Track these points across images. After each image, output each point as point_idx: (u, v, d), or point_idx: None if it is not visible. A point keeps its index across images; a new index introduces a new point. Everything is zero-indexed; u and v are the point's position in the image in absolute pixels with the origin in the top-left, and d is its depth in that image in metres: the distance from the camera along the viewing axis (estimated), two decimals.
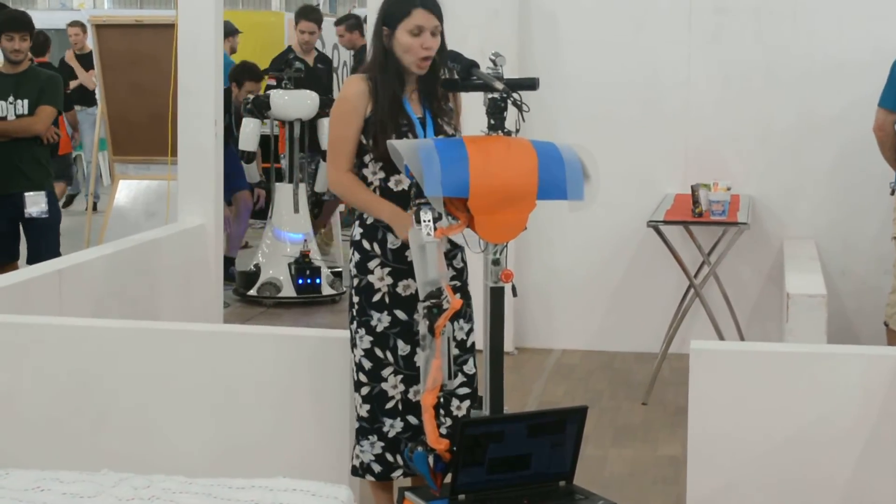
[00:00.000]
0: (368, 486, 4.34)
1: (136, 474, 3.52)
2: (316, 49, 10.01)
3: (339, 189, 4.18)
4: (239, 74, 9.32)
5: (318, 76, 9.59)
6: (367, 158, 4.12)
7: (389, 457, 4.17)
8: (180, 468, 3.78)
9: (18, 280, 5.22)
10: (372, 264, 4.16)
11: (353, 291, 4.22)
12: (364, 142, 4.11)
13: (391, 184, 4.12)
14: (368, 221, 4.16)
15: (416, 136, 4.06)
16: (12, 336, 4.59)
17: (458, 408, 4.14)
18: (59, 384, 4.52)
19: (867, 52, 6.97)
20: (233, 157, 8.56)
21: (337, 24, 11.41)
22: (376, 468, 4.18)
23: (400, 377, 4.16)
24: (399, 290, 4.15)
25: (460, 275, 4.23)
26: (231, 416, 4.45)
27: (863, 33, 7.07)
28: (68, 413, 4.51)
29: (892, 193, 6.25)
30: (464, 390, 4.16)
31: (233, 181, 8.67)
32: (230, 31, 11.58)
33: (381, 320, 4.16)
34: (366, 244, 4.17)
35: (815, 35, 7.13)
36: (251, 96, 8.72)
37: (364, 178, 4.16)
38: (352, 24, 10.99)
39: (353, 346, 4.21)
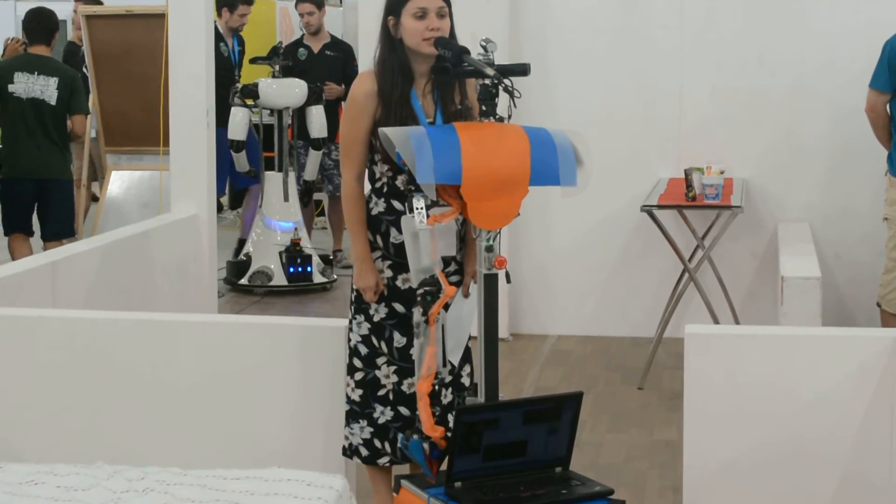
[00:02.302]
0: (365, 472, 4.35)
1: (131, 466, 3.52)
2: (331, 35, 9.70)
3: (343, 197, 4.20)
4: None
5: (321, 64, 9.40)
6: (376, 157, 4.12)
7: (377, 443, 4.18)
8: (175, 459, 3.78)
9: (11, 273, 5.20)
10: (373, 255, 4.16)
11: (353, 279, 4.23)
12: (373, 142, 4.10)
13: (398, 182, 4.11)
14: (373, 213, 4.15)
15: None
16: (6, 329, 4.57)
17: (445, 396, 4.14)
18: (52, 377, 4.51)
19: (860, 31, 6.97)
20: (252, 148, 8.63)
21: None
22: (364, 452, 4.19)
23: (393, 368, 4.16)
24: (398, 283, 4.15)
25: (462, 269, 4.22)
26: (226, 406, 4.44)
27: (855, 14, 7.07)
28: (62, 406, 4.50)
29: (886, 174, 6.25)
30: (447, 378, 4.16)
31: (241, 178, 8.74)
32: None
33: (378, 311, 4.16)
34: (368, 234, 4.16)
35: (808, 16, 7.13)
36: (240, 86, 8.68)
37: (373, 175, 4.16)
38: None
39: (351, 330, 4.22)
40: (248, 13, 9.26)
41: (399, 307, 4.15)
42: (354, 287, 4.21)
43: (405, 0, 4.03)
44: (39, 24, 7.86)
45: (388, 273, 4.15)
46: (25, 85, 7.64)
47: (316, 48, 9.45)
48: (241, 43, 9.39)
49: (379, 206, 4.14)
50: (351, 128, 4.13)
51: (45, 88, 7.65)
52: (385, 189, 4.13)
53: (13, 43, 8.67)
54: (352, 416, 4.21)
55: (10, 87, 7.63)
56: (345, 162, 4.17)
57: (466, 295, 4.09)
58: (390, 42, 4.10)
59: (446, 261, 4.05)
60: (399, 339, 4.15)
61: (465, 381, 4.22)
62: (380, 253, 4.15)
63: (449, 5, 4.08)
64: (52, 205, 7.74)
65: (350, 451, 4.23)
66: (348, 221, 4.19)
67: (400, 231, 4.05)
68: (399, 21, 4.06)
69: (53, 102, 7.65)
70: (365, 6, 6.97)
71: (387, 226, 4.13)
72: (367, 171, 4.17)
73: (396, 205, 4.11)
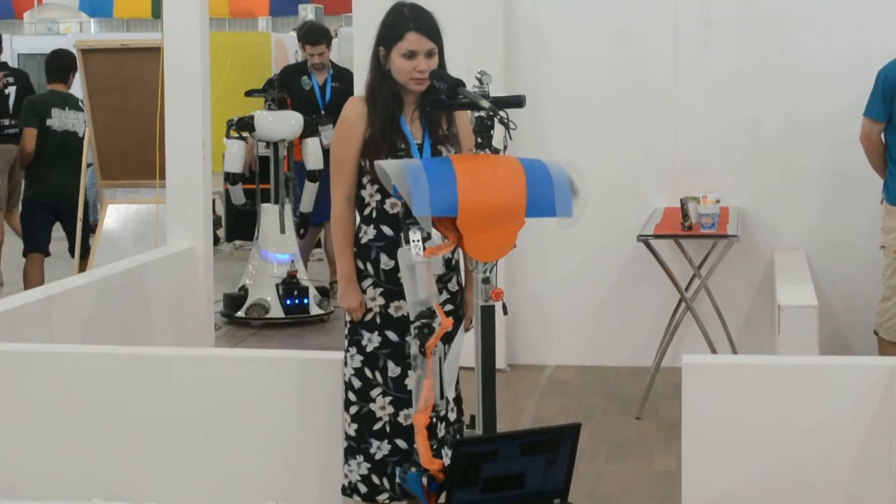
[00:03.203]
0: None
1: (127, 502, 3.50)
2: (333, 65, 9.65)
3: (332, 218, 4.22)
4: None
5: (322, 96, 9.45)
6: (364, 180, 4.14)
7: (375, 479, 4.16)
8: (173, 494, 3.77)
9: (8, 307, 5.19)
10: (364, 284, 4.16)
11: (338, 300, 4.23)
12: (362, 164, 4.12)
13: (387, 206, 4.13)
14: (363, 241, 4.16)
15: None
16: (2, 364, 4.57)
17: (440, 430, 4.12)
18: (49, 412, 4.50)
19: (854, 60, 6.98)
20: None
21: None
22: (362, 489, 4.18)
23: (389, 399, 4.15)
24: (391, 310, 4.14)
25: (454, 298, 4.22)
26: (223, 440, 4.43)
27: (849, 41, 7.09)
28: (59, 441, 4.49)
29: (882, 202, 6.26)
30: (443, 412, 4.15)
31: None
32: None
33: (371, 340, 4.16)
34: (359, 263, 4.17)
35: (801, 44, 7.15)
36: (236, 118, 8.69)
37: (361, 199, 4.17)
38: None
39: (345, 364, 4.21)
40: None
41: (392, 336, 4.15)
42: (347, 319, 4.22)
43: (396, 38, 4.08)
44: (58, 65, 9.16)
45: (381, 301, 4.15)
46: (59, 119, 8.94)
47: (320, 81, 9.48)
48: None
49: (368, 234, 4.15)
50: (342, 149, 4.16)
51: (76, 122, 9.02)
52: (374, 215, 4.14)
53: None
54: (349, 453, 4.19)
55: (48, 122, 8.88)
56: (335, 183, 4.19)
57: (468, 329, 4.08)
58: (380, 70, 4.14)
59: (438, 288, 4.06)
60: (393, 369, 4.14)
61: (451, 416, 4.20)
62: (371, 280, 4.15)
63: (440, 45, 4.11)
64: (73, 222, 9.00)
65: (350, 490, 4.21)
66: (335, 242, 4.20)
67: (390, 257, 4.07)
68: (389, 55, 4.10)
69: (81, 134, 9.02)
70: (359, 38, 6.99)
71: (377, 252, 4.13)
72: (355, 196, 4.18)
73: (386, 230, 4.12)
